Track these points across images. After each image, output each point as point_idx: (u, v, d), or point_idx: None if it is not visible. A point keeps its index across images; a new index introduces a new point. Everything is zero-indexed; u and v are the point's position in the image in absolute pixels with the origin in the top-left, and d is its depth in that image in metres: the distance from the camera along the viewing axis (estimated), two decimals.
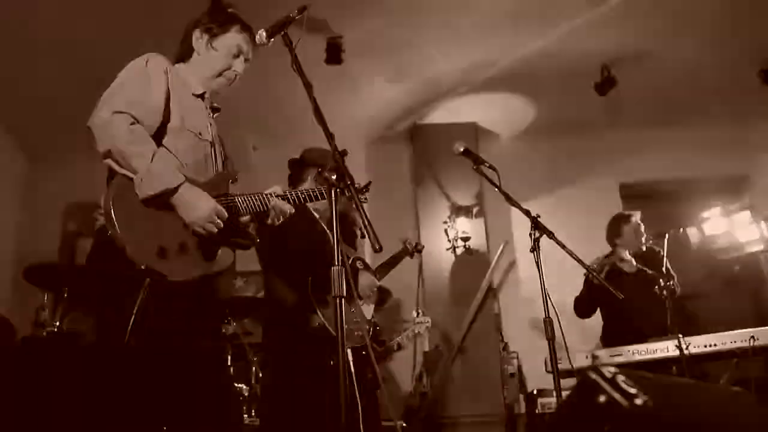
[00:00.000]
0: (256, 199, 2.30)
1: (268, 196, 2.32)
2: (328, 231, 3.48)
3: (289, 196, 2.39)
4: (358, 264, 3.47)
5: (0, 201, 5.77)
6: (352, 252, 3.55)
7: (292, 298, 3.10)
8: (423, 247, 4.40)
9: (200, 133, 2.28)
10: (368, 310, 3.47)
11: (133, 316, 1.88)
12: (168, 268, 1.97)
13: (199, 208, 2.05)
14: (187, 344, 2.12)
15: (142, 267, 1.92)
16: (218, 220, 2.09)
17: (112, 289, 2.02)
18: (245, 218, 2.34)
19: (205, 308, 2.26)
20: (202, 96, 2.39)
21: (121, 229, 1.94)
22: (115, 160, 2.01)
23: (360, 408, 2.91)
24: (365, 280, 3.41)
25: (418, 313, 4.37)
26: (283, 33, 2.18)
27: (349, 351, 3.00)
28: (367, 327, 3.36)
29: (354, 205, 1.95)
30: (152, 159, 2.01)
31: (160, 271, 1.94)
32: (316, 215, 3.42)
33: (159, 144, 2.13)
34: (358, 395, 2.90)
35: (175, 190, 2.02)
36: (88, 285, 3.02)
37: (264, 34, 2.20)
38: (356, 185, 2.77)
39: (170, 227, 2.04)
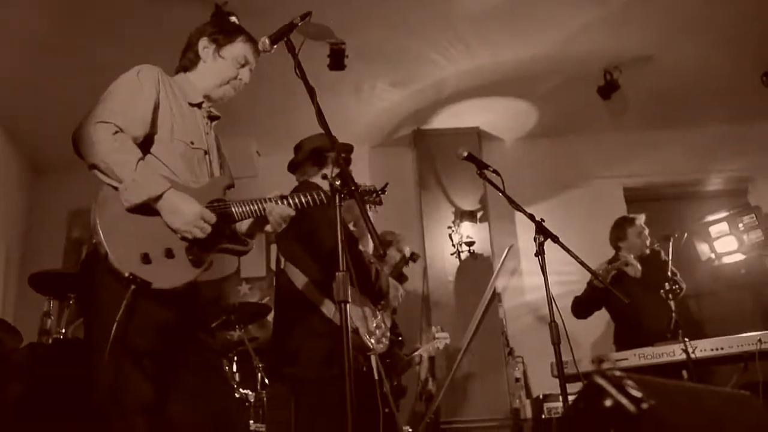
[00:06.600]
0: (252, 205, 2.27)
1: (267, 201, 2.30)
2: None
3: (289, 200, 2.35)
4: None
5: (5, 209, 5.79)
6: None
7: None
8: (419, 256, 4.47)
9: (192, 142, 2.27)
10: (387, 319, 3.44)
11: (116, 325, 1.88)
12: (152, 275, 1.96)
13: (184, 212, 2.04)
14: (176, 352, 2.11)
15: (126, 275, 1.92)
16: (204, 225, 2.07)
17: (98, 297, 2.02)
18: (245, 223, 2.33)
19: (204, 314, 2.25)
20: (199, 105, 2.40)
21: (106, 238, 1.95)
22: (100, 170, 2.01)
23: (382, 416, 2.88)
24: (393, 290, 3.38)
25: (438, 329, 4.50)
26: (286, 39, 2.19)
27: (372, 358, 2.99)
28: (389, 335, 3.32)
29: (359, 210, 1.95)
30: (136, 167, 2.00)
31: (143, 278, 1.94)
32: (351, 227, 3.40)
33: (148, 154, 2.13)
34: (380, 403, 2.86)
35: (160, 197, 2.01)
36: (81, 292, 3.01)
37: (267, 41, 2.21)
38: (372, 186, 2.78)
39: (156, 234, 2.03)
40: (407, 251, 4.35)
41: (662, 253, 4.47)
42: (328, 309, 2.87)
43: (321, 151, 3.10)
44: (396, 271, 4.19)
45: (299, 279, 2.97)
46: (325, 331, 2.82)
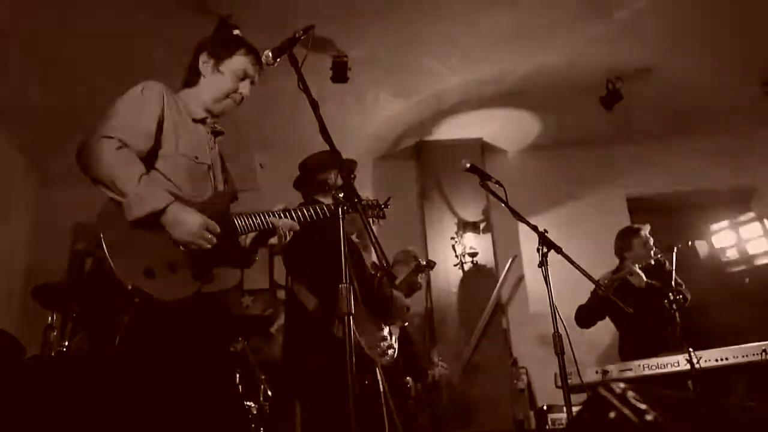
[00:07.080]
0: (255, 218, 2.28)
1: (270, 214, 2.30)
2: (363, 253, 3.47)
3: (293, 213, 2.36)
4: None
5: (10, 221, 5.80)
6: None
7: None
8: (434, 263, 4.55)
9: (196, 157, 2.28)
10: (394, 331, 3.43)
11: (119, 337, 1.89)
12: (155, 288, 1.97)
13: (187, 224, 2.04)
14: (182, 363, 2.09)
15: (129, 288, 1.92)
16: (209, 236, 2.07)
17: (103, 309, 2.03)
18: (248, 237, 2.34)
19: (207, 326, 2.25)
20: (203, 121, 2.41)
21: (109, 251, 1.96)
22: (103, 184, 2.02)
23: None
24: (399, 301, 3.38)
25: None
26: (288, 53, 2.20)
27: (378, 371, 2.98)
28: (394, 349, 3.31)
29: (362, 223, 1.96)
30: (139, 181, 2.01)
31: (146, 291, 1.94)
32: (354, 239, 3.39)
33: (152, 169, 2.14)
34: (386, 416, 2.86)
35: (163, 210, 2.01)
36: (88, 305, 3.01)
37: (270, 54, 2.22)
38: (375, 201, 2.78)
39: (159, 248, 2.03)
40: (422, 261, 4.42)
41: (666, 264, 4.46)
42: (337, 327, 2.86)
43: (324, 168, 3.12)
44: (410, 288, 4.27)
45: (308, 299, 2.98)
46: (333, 348, 2.82)
